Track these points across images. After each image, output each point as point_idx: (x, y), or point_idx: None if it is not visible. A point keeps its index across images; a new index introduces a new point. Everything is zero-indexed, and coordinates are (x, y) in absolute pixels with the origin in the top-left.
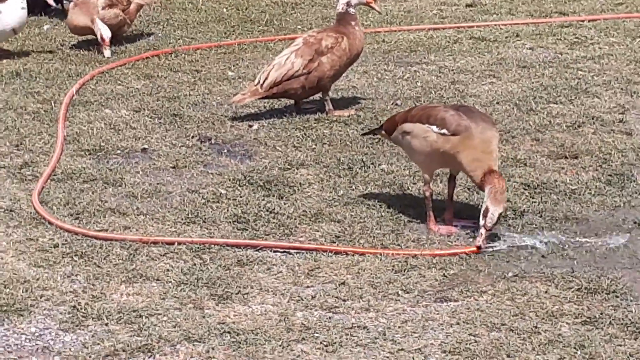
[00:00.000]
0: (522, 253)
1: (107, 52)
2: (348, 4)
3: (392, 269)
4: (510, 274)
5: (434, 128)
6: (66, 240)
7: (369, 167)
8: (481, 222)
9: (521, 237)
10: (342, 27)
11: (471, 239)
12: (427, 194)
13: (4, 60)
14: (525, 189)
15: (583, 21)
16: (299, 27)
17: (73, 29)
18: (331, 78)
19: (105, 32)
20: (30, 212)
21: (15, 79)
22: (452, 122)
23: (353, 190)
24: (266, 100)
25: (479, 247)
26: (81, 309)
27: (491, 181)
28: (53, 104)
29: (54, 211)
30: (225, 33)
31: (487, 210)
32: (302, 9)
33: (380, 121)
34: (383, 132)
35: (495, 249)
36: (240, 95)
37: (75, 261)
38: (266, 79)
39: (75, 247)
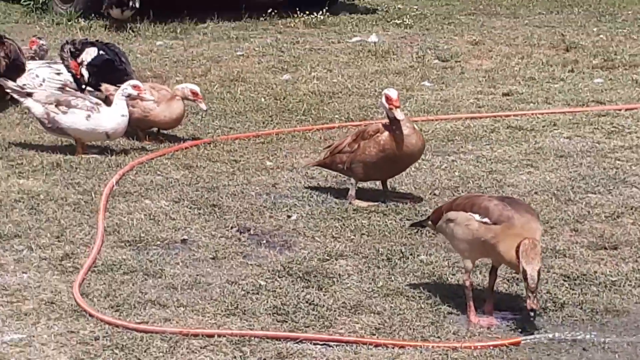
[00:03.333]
0: (562, 346)
1: (203, 106)
2: (382, 106)
3: None
4: None
5: (477, 216)
6: (107, 333)
7: (408, 258)
8: (525, 286)
9: (562, 329)
10: (390, 123)
11: (512, 331)
12: (467, 284)
13: (45, 152)
14: (565, 280)
15: (620, 110)
16: (336, 116)
17: (174, 121)
18: (363, 166)
19: (192, 86)
20: (71, 304)
21: (56, 169)
22: (495, 211)
23: (392, 281)
24: (304, 190)
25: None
26: None
27: (520, 244)
28: (93, 195)
29: (94, 303)
30: (263, 123)
31: (524, 272)
32: (340, 98)
33: (418, 211)
34: (430, 222)
35: (535, 341)
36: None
37: (116, 354)
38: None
39: (115, 340)
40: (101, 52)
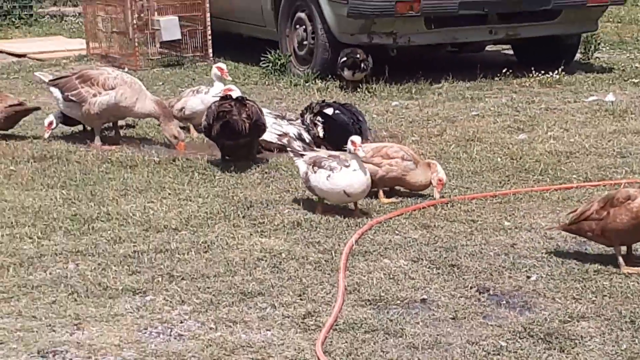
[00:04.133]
0: None
1: (437, 195)
2: None
3: None
4: None
5: None
6: None
7: None
8: None
9: None
10: None
11: None
12: None
13: (285, 211)
14: None
15: None
16: (574, 176)
17: (425, 186)
18: (617, 234)
19: (443, 175)
20: None
21: (297, 228)
22: None
23: (636, 344)
24: (543, 251)
25: None
26: None
27: None
28: (333, 254)
29: None
30: (500, 182)
31: None
32: (577, 157)
33: None
34: None
35: None
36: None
37: None
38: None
39: None
40: (337, 111)
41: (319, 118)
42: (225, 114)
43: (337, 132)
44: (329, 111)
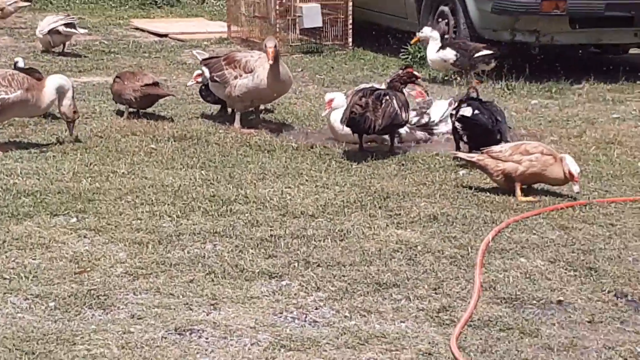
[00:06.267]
0: None
1: (576, 188)
2: None
3: None
4: None
5: None
6: None
7: None
8: None
9: None
10: None
11: None
12: None
13: (422, 203)
14: None
15: None
16: None
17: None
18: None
19: (574, 168)
20: (449, 357)
21: (433, 222)
22: None
23: None
24: None
25: None
26: None
27: None
28: (469, 250)
29: (471, 358)
30: None
31: None
32: None
33: None
34: None
35: None
36: None
37: None
38: None
39: None
40: (476, 111)
41: (457, 123)
42: (355, 111)
43: (476, 134)
44: (467, 112)
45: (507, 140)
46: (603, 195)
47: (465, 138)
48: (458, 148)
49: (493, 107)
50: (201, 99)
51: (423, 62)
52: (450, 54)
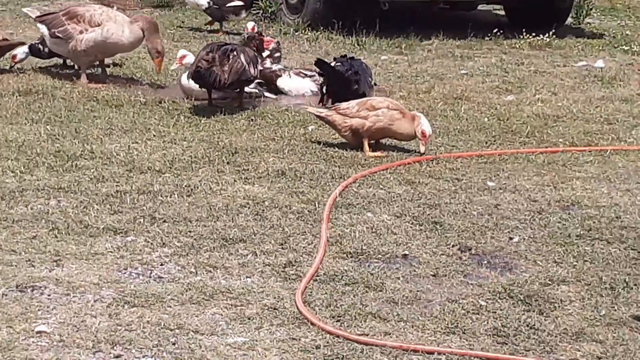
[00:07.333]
0: None
1: (422, 149)
2: None
3: None
4: None
5: None
6: (328, 343)
7: (632, 288)
8: None
9: None
10: None
11: None
12: None
13: (271, 159)
14: None
15: None
16: (560, 140)
17: (412, 137)
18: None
19: (427, 129)
20: (294, 312)
21: (281, 177)
22: None
23: (615, 310)
24: (527, 213)
25: None
26: None
27: None
28: (317, 205)
29: (316, 312)
30: (486, 142)
31: None
32: (564, 122)
33: None
34: None
35: None
36: None
37: None
38: None
39: (336, 350)
40: (338, 63)
41: (318, 71)
42: (201, 66)
43: (335, 84)
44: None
45: (367, 95)
46: (450, 150)
47: (325, 89)
48: (322, 102)
49: (357, 62)
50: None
51: (274, 18)
52: (203, 0)
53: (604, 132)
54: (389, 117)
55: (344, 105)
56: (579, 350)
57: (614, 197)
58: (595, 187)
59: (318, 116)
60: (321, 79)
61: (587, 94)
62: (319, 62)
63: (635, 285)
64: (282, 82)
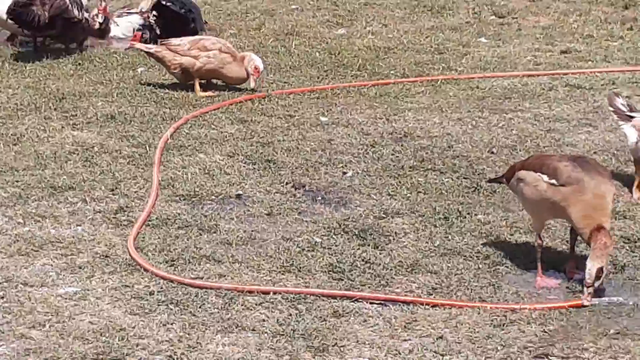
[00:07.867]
0: (623, 309)
1: (252, 84)
2: None
3: (491, 324)
4: (612, 331)
5: (545, 177)
6: (161, 288)
7: (465, 217)
8: (583, 279)
9: (622, 292)
10: None
11: (571, 294)
12: (536, 244)
13: (99, 103)
14: (625, 243)
15: None
16: (391, 72)
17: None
18: None
19: (260, 64)
20: (126, 259)
21: (110, 122)
22: (564, 172)
23: (449, 240)
24: (360, 147)
25: (582, 305)
26: (177, 359)
27: (596, 238)
28: (147, 148)
29: (149, 257)
30: (318, 77)
31: (585, 266)
32: (395, 54)
33: (476, 170)
34: (504, 180)
35: (595, 304)
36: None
37: (171, 309)
38: None
39: (170, 295)
40: (169, 3)
41: (154, 12)
42: (19, 2)
43: (168, 20)
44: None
45: (202, 32)
46: (282, 86)
47: (159, 30)
48: (154, 42)
49: (188, 2)
50: None
51: None
52: None
53: (435, 62)
54: (219, 60)
55: (174, 41)
56: (414, 282)
57: (446, 126)
58: (427, 117)
59: (147, 52)
60: (153, 20)
61: (417, 24)
62: (157, 5)
63: (468, 214)
64: (114, 32)
